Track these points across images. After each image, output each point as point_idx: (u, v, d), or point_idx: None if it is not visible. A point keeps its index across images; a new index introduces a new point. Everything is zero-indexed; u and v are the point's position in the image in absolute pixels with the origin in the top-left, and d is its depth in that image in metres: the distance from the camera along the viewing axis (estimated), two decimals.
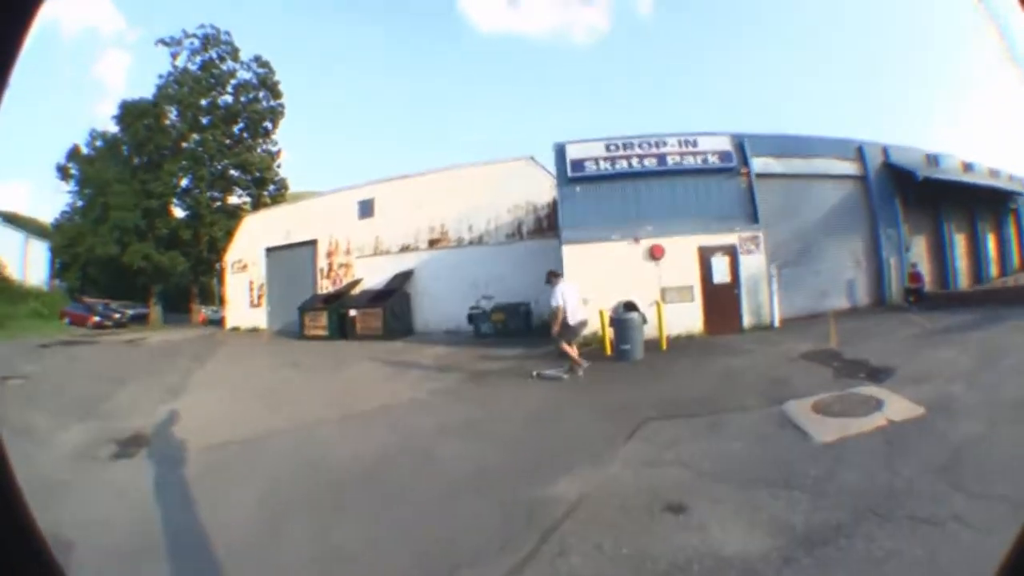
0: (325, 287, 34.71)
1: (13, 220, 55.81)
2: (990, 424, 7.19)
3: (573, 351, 13.88)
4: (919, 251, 24.37)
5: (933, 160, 25.90)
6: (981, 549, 4.23)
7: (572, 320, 13.84)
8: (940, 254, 25.45)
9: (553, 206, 24.85)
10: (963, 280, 26.18)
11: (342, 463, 8.33)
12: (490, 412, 11.13)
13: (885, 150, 24.30)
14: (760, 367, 13.03)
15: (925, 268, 23.26)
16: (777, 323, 19.68)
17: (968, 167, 27.79)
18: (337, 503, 6.82)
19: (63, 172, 56.92)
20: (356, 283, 33.09)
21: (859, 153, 23.86)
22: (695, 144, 21.63)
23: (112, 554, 5.57)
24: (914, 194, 23.64)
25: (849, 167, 23.74)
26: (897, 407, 8.32)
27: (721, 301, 19.79)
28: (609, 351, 16.53)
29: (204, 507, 6.80)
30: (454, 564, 5.06)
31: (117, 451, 9.45)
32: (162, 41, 55.22)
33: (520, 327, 24.64)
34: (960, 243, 26.63)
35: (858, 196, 23.71)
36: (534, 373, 14.30)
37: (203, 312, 53.10)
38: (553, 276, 14.42)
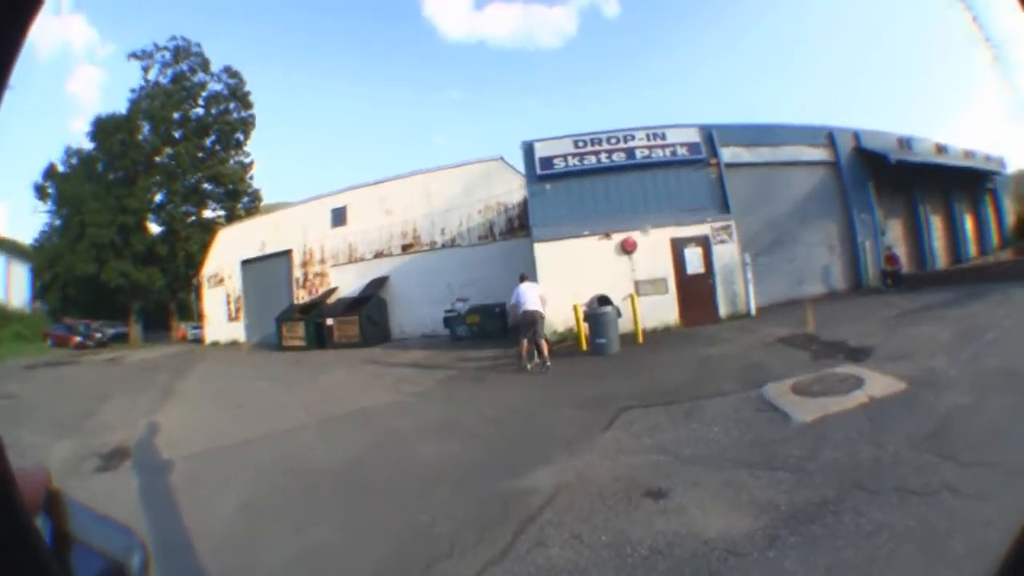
0: (301, 297, 34.60)
1: None
2: (975, 394, 7.18)
3: (523, 348, 14.87)
4: (895, 234, 24.54)
5: (906, 143, 26.12)
6: (977, 516, 4.21)
7: (520, 310, 14.99)
8: (916, 236, 25.59)
9: (524, 205, 24.75)
10: (941, 261, 26.32)
11: (321, 465, 8.33)
12: (466, 411, 11.07)
13: (856, 135, 24.44)
14: (738, 354, 13.04)
15: (902, 250, 23.38)
16: (754, 311, 19.67)
17: (942, 149, 28.02)
18: (316, 503, 6.80)
19: (40, 191, 55.89)
20: (332, 291, 33.01)
21: (830, 139, 23.95)
22: (663, 137, 21.61)
23: None
24: (888, 178, 23.77)
25: (820, 153, 23.85)
26: (878, 384, 8.30)
27: (696, 292, 19.75)
28: (585, 346, 16.53)
29: (187, 513, 6.80)
30: (431, 557, 5.02)
31: (100, 464, 9.37)
32: (134, 55, 54.81)
33: (496, 328, 24.48)
34: (936, 225, 26.82)
35: (830, 182, 23.81)
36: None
37: (183, 328, 52.89)
38: (521, 278, 15.84)
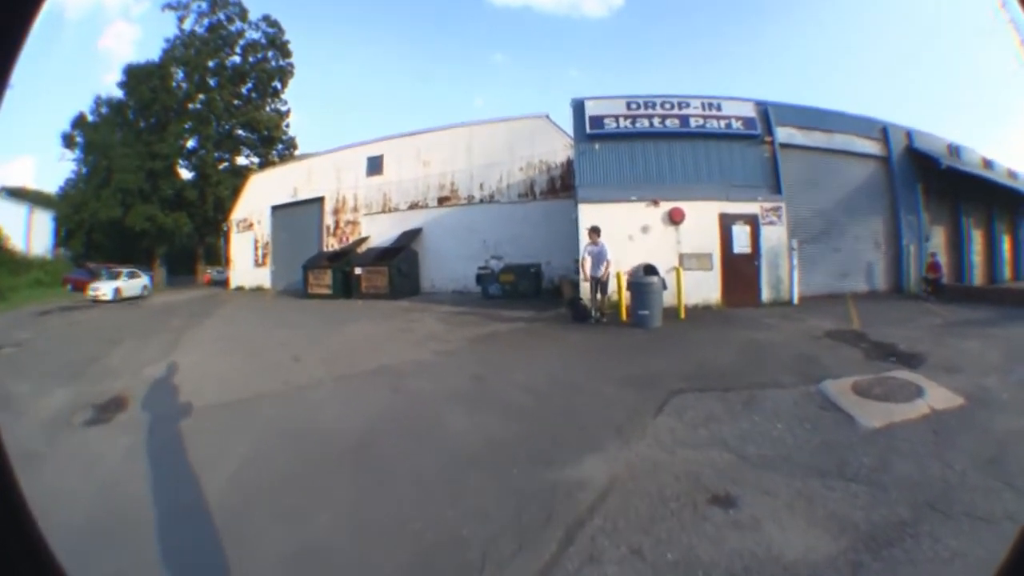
0: (331, 245, 34.52)
1: (18, 193, 55.77)
2: None
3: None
4: (937, 242, 23.96)
5: (955, 151, 25.59)
6: None
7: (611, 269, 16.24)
8: (958, 247, 25.12)
9: (568, 166, 24.67)
10: (978, 277, 25.98)
11: (333, 432, 7.50)
12: (500, 377, 10.31)
13: (909, 134, 23.87)
14: (786, 343, 12.48)
15: (943, 260, 22.64)
16: (796, 299, 19.14)
17: (988, 164, 27.56)
18: (320, 482, 5.91)
19: (68, 140, 56.91)
20: (363, 241, 32.89)
21: (883, 134, 23.38)
22: (719, 108, 20.93)
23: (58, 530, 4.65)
24: (936, 183, 23.29)
25: (873, 147, 23.27)
26: (937, 395, 7.85)
27: (740, 272, 19.26)
28: (625, 316, 15.98)
29: (167, 484, 5.99)
30: (459, 570, 4.22)
31: (92, 416, 8.75)
32: (168, 5, 55.43)
33: (530, 288, 24.37)
34: (977, 239, 26.46)
35: (881, 178, 23.25)
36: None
37: (208, 273, 53.26)
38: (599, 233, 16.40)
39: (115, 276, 35.11)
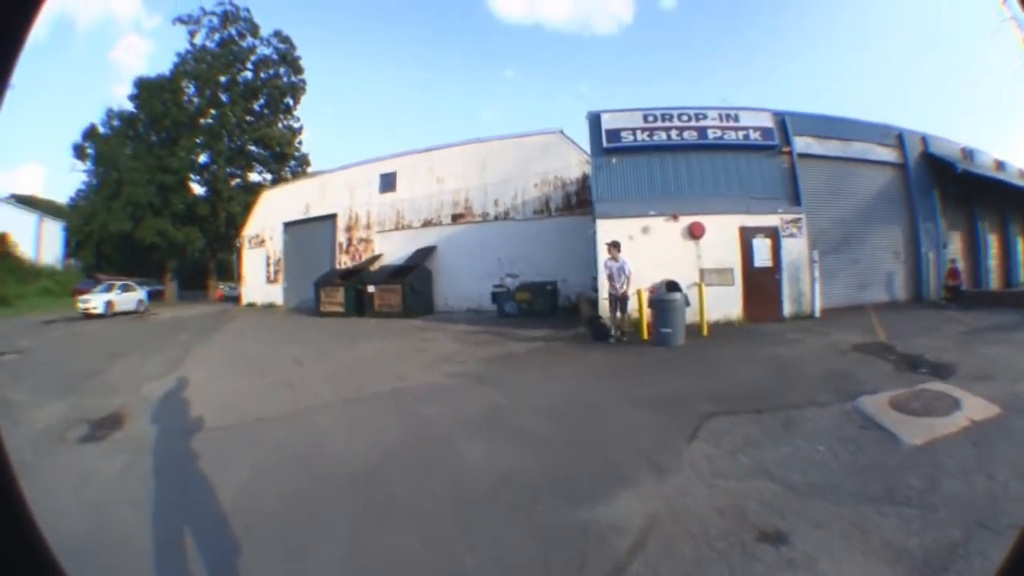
0: (344, 262, 34.29)
1: (28, 202, 56.16)
2: None
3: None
4: (955, 247, 23.58)
5: (969, 154, 25.17)
6: None
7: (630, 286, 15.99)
8: (974, 252, 24.71)
9: (583, 182, 24.39)
10: (995, 281, 25.55)
11: (338, 459, 7.05)
12: (518, 400, 9.84)
13: (924, 139, 23.47)
14: (814, 358, 12.20)
15: (961, 265, 22.42)
16: (818, 312, 18.73)
17: (1000, 166, 27.13)
18: (324, 513, 5.47)
19: (79, 151, 57.43)
20: (376, 258, 32.60)
21: (899, 140, 22.94)
22: (736, 119, 20.62)
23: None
24: (951, 188, 22.90)
25: (889, 154, 22.84)
26: (974, 405, 7.72)
27: (762, 286, 18.84)
28: (646, 334, 15.59)
29: (158, 509, 5.63)
30: None
31: (87, 434, 8.52)
32: (179, 19, 56.01)
33: (546, 307, 23.97)
34: (993, 243, 26.04)
35: (898, 185, 22.85)
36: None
37: (220, 288, 53.46)
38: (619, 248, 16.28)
39: (108, 288, 34.05)
